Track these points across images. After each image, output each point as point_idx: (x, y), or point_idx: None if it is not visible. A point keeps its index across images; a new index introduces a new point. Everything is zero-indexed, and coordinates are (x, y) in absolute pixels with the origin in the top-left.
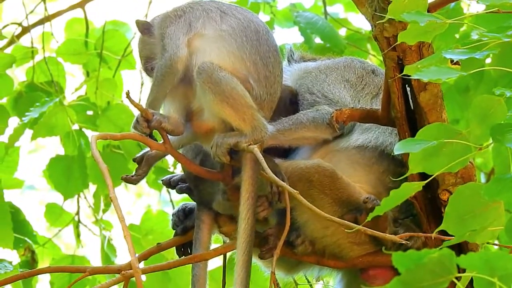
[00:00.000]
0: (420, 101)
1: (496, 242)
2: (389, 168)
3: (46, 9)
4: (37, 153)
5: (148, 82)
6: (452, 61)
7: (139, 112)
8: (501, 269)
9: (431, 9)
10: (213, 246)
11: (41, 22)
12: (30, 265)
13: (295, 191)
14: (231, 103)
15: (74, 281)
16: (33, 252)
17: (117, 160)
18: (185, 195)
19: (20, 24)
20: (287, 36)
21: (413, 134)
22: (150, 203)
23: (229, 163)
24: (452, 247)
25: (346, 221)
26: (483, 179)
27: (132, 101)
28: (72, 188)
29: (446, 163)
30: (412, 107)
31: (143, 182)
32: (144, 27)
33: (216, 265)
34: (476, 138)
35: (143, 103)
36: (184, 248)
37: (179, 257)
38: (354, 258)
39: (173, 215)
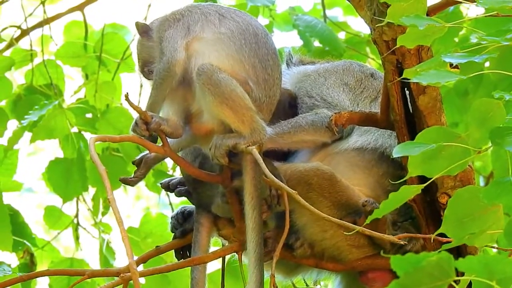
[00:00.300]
0: (419, 104)
1: (495, 245)
2: (389, 171)
3: (45, 12)
4: (36, 156)
5: (147, 85)
6: (451, 64)
7: (138, 115)
8: (500, 273)
9: (430, 12)
10: (212, 249)
11: (40, 25)
12: (29, 268)
13: (294, 191)
14: (231, 105)
15: (73, 284)
16: (32, 255)
17: (116, 163)
18: (184, 198)
19: (19, 27)
20: (286, 40)
21: (412, 138)
22: (149, 206)
23: (227, 165)
24: (450, 250)
25: (344, 222)
26: (482, 182)
27: (131, 104)
28: (71, 191)
29: (445, 166)
30: (411, 111)
31: (142, 185)
32: (143, 30)
33: (215, 268)
34: (475, 141)
35: (142, 106)
36: (183, 251)
37: (178, 260)
38: (353, 261)
39: (172, 218)
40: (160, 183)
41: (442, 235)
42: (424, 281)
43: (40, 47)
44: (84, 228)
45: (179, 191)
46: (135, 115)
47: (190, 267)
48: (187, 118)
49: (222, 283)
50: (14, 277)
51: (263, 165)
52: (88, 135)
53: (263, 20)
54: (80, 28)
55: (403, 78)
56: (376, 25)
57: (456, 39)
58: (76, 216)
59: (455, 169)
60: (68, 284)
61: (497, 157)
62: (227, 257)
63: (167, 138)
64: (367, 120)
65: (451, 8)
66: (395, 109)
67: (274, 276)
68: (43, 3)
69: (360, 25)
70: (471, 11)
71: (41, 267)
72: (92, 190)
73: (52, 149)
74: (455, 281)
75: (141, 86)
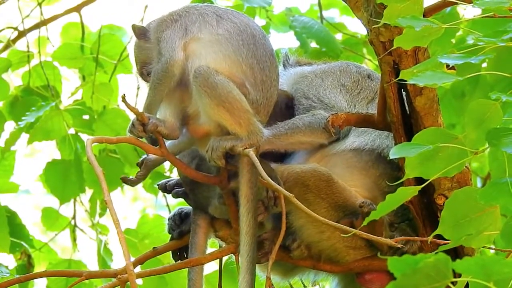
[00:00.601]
0: (416, 105)
1: (492, 246)
2: (386, 172)
3: (42, 13)
4: (33, 157)
5: (145, 86)
6: (448, 65)
7: (135, 116)
8: (497, 274)
9: (427, 13)
10: (209, 250)
11: (37, 26)
12: (26, 269)
13: (291, 194)
14: (227, 107)
15: (71, 285)
16: (29, 256)
17: (113, 164)
18: (181, 200)
19: (16, 28)
20: (283, 41)
21: (409, 139)
22: (145, 207)
23: (224, 167)
24: (448, 251)
25: (341, 225)
26: (479, 183)
27: (128, 105)
28: (69, 192)
29: (442, 168)
30: (408, 112)
31: (139, 186)
32: (140, 32)
33: (212, 269)
34: (472, 142)
35: (139, 107)
36: (180, 252)
37: (175, 261)
38: (350, 263)
39: (169, 219)
40: (157, 185)
41: (439, 236)
42: (421, 282)
43: (37, 48)
44: (82, 230)
45: (176, 193)
46: (132, 116)
47: (187, 269)
48: (184, 119)
49: (219, 284)
50: (12, 279)
51: (260, 168)
52: (85, 137)
53: (259, 21)
54: (77, 29)
55: (400, 79)
56: (373, 26)
57: (453, 40)
58: (74, 217)
59: (452, 170)
60: (65, 285)
61: (494, 158)
62: (224, 258)
63: (164, 139)
64: (364, 121)
65: (448, 9)
66: (392, 110)
67: (270, 279)
68: (40, 4)
69: (356, 26)
70: (468, 12)
71: (38, 268)
72: (89, 192)
73: (49, 150)
74: (452, 283)
75: (138, 87)
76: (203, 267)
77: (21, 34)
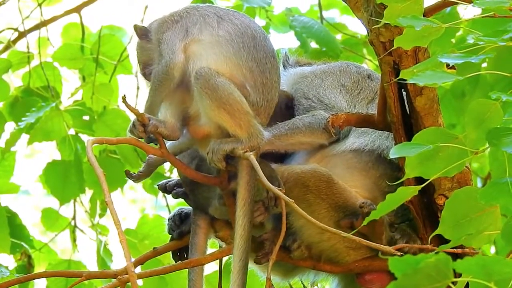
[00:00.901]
0: (416, 105)
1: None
2: (386, 172)
3: (42, 14)
4: (33, 158)
5: (145, 87)
6: (448, 65)
7: (135, 117)
8: (498, 274)
9: (427, 13)
10: (209, 250)
11: (37, 27)
12: (26, 269)
13: (291, 200)
14: (228, 109)
15: (71, 286)
16: (29, 257)
17: (114, 165)
18: (181, 200)
19: (16, 29)
20: (283, 41)
21: (409, 139)
22: (145, 208)
23: (225, 168)
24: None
25: (339, 231)
26: (479, 183)
27: (128, 106)
28: (69, 193)
29: (442, 168)
30: (408, 112)
31: (139, 187)
32: (142, 32)
33: (212, 269)
34: (472, 142)
35: (140, 108)
36: (180, 252)
37: (175, 261)
38: (350, 263)
39: (169, 219)
40: (157, 185)
41: (440, 236)
42: (422, 282)
43: (37, 49)
44: (81, 230)
45: (176, 193)
46: (132, 117)
47: (187, 269)
48: (185, 120)
49: (220, 284)
50: (12, 279)
51: (260, 172)
52: (85, 137)
53: (260, 21)
54: (77, 30)
55: (400, 79)
56: (373, 26)
57: (453, 40)
58: (73, 218)
59: (452, 170)
60: (65, 286)
61: (494, 158)
62: (224, 258)
63: (164, 140)
64: (364, 121)
65: (448, 9)
66: (392, 110)
67: (270, 279)
68: (40, 5)
69: (357, 26)
70: (468, 12)
71: (38, 269)
72: (89, 192)
73: (49, 151)
74: (453, 283)
75: (138, 88)
76: (203, 267)
77: (21, 35)
